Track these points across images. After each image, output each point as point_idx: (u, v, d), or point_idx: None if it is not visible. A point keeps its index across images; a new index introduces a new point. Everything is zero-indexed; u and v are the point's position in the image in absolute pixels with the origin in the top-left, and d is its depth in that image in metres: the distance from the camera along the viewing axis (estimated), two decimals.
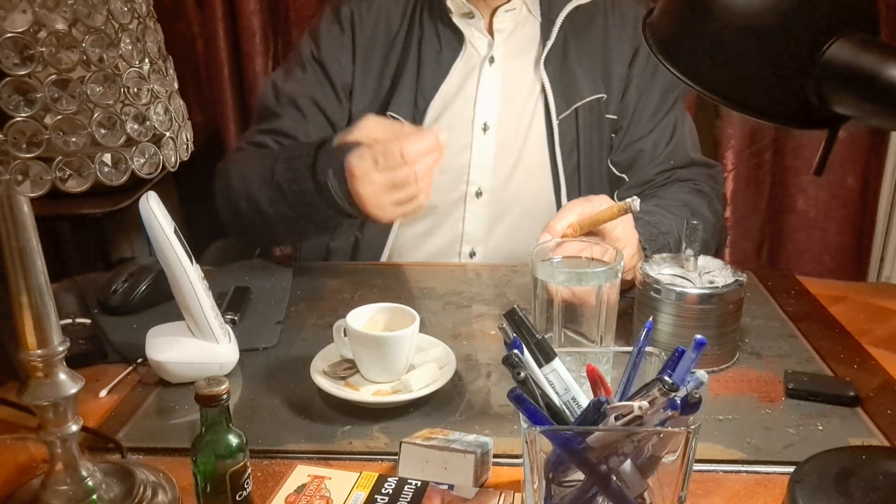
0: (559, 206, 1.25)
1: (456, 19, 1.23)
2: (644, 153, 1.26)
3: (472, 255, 1.29)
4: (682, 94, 1.29)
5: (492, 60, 1.25)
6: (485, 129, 1.25)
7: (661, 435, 0.58)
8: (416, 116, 1.23)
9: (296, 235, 1.17)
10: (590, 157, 1.25)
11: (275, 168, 1.12)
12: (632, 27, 1.25)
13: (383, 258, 1.29)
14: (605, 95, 1.25)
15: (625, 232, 1.00)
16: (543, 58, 1.22)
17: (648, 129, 1.26)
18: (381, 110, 1.23)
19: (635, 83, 1.26)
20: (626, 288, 0.98)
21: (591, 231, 0.97)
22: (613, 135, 1.28)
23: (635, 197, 0.95)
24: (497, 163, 1.25)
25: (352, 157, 1.01)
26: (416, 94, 1.23)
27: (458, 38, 1.24)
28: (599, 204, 0.99)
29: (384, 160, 0.99)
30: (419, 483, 0.66)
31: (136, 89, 0.53)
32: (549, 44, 1.22)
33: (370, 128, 1.06)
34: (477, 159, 1.25)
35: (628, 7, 1.26)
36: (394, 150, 0.99)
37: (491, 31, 1.25)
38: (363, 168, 1.00)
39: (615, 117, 1.26)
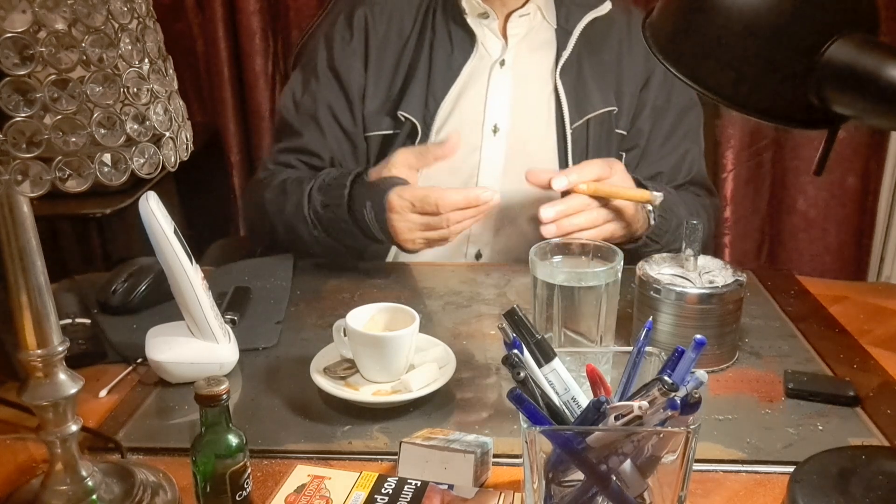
0: None
1: (470, 20, 1.23)
2: (663, 175, 1.28)
3: (479, 256, 1.29)
4: (697, 120, 1.31)
5: (502, 63, 1.25)
6: (495, 131, 1.25)
7: (661, 435, 0.58)
8: (427, 117, 1.23)
9: (326, 253, 1.22)
10: None
11: (311, 195, 1.18)
12: (646, 51, 1.26)
13: (389, 258, 1.29)
14: (616, 109, 1.25)
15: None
16: (560, 68, 1.23)
17: (663, 155, 1.29)
18: (392, 111, 1.24)
19: (650, 109, 1.27)
20: (628, 241, 1.10)
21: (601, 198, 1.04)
22: (623, 153, 1.29)
23: (660, 194, 1.03)
24: (507, 166, 1.25)
25: (393, 194, 1.07)
26: (427, 94, 1.23)
27: (471, 39, 1.24)
28: (616, 173, 1.06)
29: (420, 205, 1.05)
30: (419, 483, 0.66)
31: (135, 89, 0.53)
32: (566, 54, 1.23)
33: (401, 161, 1.11)
34: (487, 161, 1.25)
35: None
36: (431, 199, 1.04)
37: (505, 36, 1.25)
38: (401, 206, 1.07)
39: (624, 133, 1.28)
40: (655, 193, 1.04)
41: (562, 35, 1.25)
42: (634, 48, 1.27)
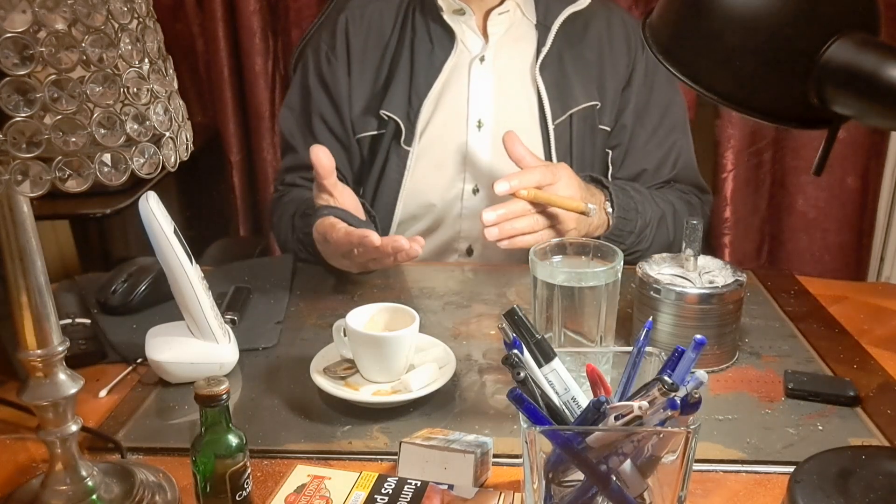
0: None
1: (447, 17, 1.24)
2: (647, 172, 1.29)
3: (470, 252, 1.29)
4: (681, 114, 1.32)
5: (482, 59, 1.25)
6: (479, 126, 1.25)
7: (661, 435, 0.58)
8: (411, 115, 1.24)
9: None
10: (582, 165, 1.26)
11: (294, 222, 1.23)
12: (626, 49, 1.27)
13: None
14: (599, 104, 1.26)
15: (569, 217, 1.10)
16: (539, 63, 1.23)
17: (648, 151, 1.29)
18: (377, 111, 1.25)
19: (633, 106, 1.28)
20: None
21: (539, 204, 1.08)
22: (609, 150, 1.29)
23: (594, 206, 1.08)
24: (493, 160, 1.26)
25: (314, 225, 1.11)
26: (410, 92, 1.24)
27: (450, 36, 1.25)
28: (559, 180, 1.08)
29: (329, 240, 1.07)
30: (419, 483, 0.66)
31: (135, 89, 0.53)
32: (545, 49, 1.24)
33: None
34: (473, 157, 1.26)
35: (626, 26, 1.29)
36: (330, 228, 1.07)
37: (485, 33, 1.26)
38: (317, 237, 1.11)
39: (608, 129, 1.28)
40: (591, 206, 1.09)
41: (542, 31, 1.26)
42: (615, 45, 1.28)
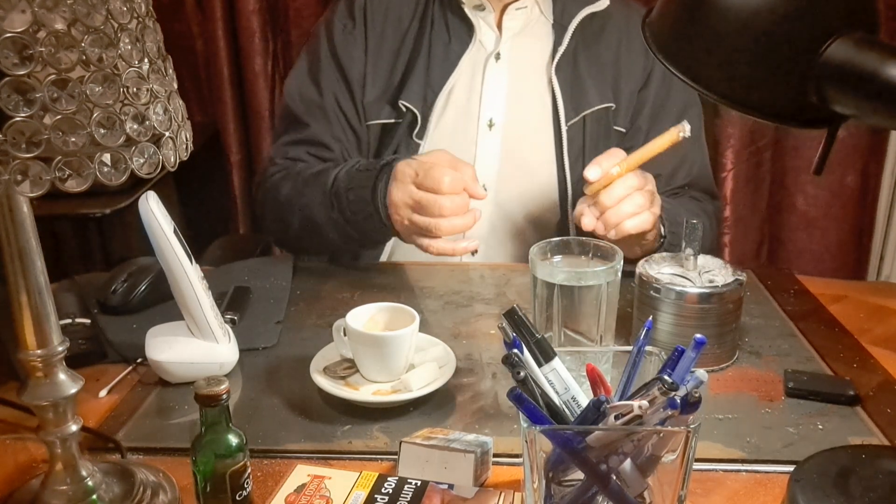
0: (563, 211, 1.25)
1: (468, 10, 1.23)
2: (661, 177, 1.26)
3: (474, 252, 1.29)
4: (698, 120, 1.30)
5: (498, 57, 1.25)
6: (490, 125, 1.25)
7: (661, 434, 0.58)
8: (425, 109, 1.22)
9: (340, 244, 1.19)
10: None
11: (337, 177, 1.14)
12: (644, 49, 1.25)
13: (385, 253, 1.28)
14: (614, 105, 1.24)
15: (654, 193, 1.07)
16: (555, 63, 1.23)
17: (663, 156, 1.26)
18: (392, 100, 1.24)
19: (649, 108, 1.26)
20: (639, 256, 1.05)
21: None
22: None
23: (685, 122, 1.01)
24: (503, 161, 1.25)
25: (402, 162, 1.06)
26: (426, 84, 1.23)
27: (469, 30, 1.24)
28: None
29: (422, 176, 1.03)
30: (419, 482, 0.66)
31: (135, 89, 0.53)
32: (562, 49, 1.22)
33: (438, 155, 1.08)
34: (482, 156, 1.25)
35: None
36: (436, 173, 1.02)
37: (500, 28, 1.25)
38: (405, 173, 1.05)
39: (623, 130, 1.27)
40: (681, 125, 1.02)
41: (558, 30, 1.24)
42: (633, 45, 1.26)
